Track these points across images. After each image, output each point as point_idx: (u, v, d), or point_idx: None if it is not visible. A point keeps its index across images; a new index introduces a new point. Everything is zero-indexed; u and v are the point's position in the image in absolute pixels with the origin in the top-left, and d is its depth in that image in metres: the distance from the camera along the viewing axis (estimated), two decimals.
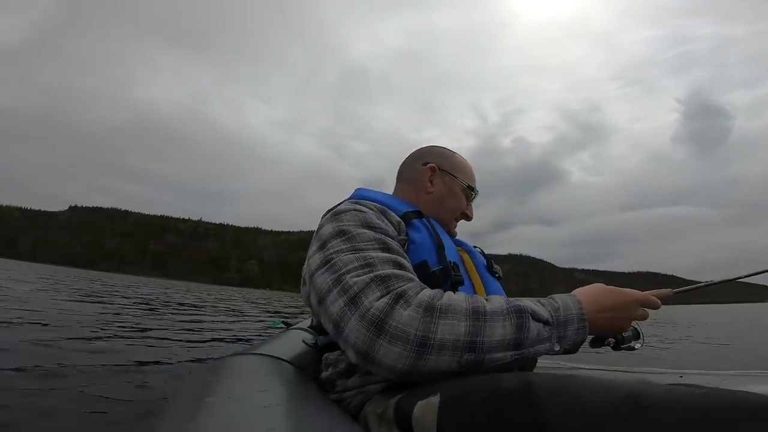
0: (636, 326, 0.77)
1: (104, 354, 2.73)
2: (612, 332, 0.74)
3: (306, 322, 1.45)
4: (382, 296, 0.61)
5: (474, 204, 1.04)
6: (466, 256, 0.93)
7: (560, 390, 0.47)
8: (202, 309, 8.72)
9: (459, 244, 0.98)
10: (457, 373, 0.59)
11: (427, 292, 0.62)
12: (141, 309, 6.92)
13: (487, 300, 0.65)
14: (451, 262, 0.80)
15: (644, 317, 0.74)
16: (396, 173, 1.06)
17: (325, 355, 0.82)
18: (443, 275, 0.77)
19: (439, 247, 0.81)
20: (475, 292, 0.85)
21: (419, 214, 0.88)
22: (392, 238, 0.75)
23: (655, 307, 0.75)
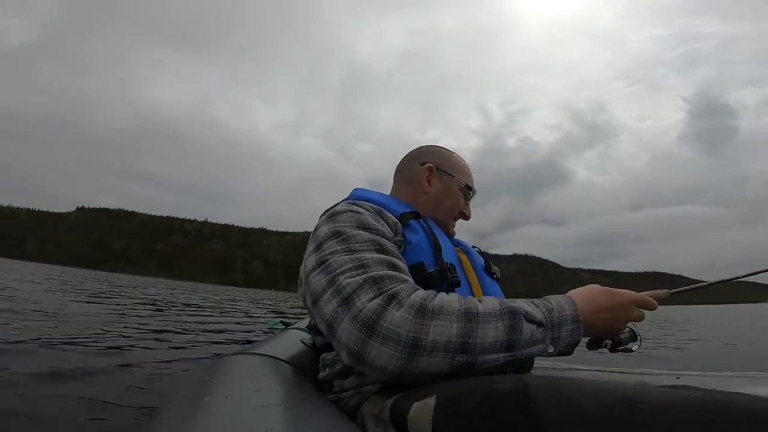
0: (633, 327, 0.77)
1: (106, 354, 2.75)
2: (608, 333, 0.73)
3: (304, 322, 1.45)
4: (375, 297, 0.61)
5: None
6: (463, 257, 0.93)
7: (556, 392, 0.47)
8: (207, 309, 8.75)
9: (457, 244, 0.98)
10: (449, 375, 0.59)
11: (420, 294, 0.62)
12: (147, 309, 6.96)
13: (480, 301, 0.64)
14: (447, 263, 0.80)
15: (640, 318, 0.74)
16: None
17: (323, 355, 0.82)
18: (439, 276, 0.77)
19: (436, 248, 0.81)
20: (472, 294, 0.85)
21: (416, 215, 0.88)
22: (388, 239, 0.75)
23: (652, 308, 0.75)
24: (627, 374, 1.02)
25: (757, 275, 0.85)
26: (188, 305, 9.44)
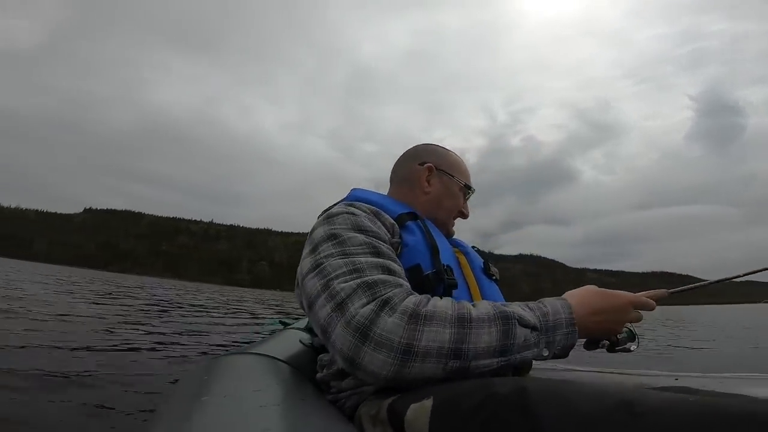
0: (630, 328, 0.76)
1: (108, 354, 2.77)
2: (604, 335, 0.73)
3: (303, 322, 1.46)
4: (368, 303, 0.61)
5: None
6: (462, 258, 0.92)
7: (554, 395, 0.47)
8: (213, 310, 8.79)
9: (456, 244, 0.97)
10: (443, 380, 0.59)
11: (413, 299, 0.62)
12: (152, 310, 7.01)
13: (474, 306, 0.64)
14: (444, 265, 0.79)
15: (638, 319, 0.73)
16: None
17: (320, 356, 0.83)
18: (436, 279, 0.76)
19: (433, 250, 0.80)
20: (470, 295, 0.84)
21: (414, 216, 0.87)
22: (384, 241, 0.75)
23: (650, 308, 0.74)
24: (626, 375, 1.01)
25: (757, 274, 0.84)
26: (193, 305, 9.48)
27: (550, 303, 0.69)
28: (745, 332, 9.28)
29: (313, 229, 0.78)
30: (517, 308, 0.66)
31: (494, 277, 0.95)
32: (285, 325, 1.62)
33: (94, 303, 6.83)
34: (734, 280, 0.85)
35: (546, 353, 0.65)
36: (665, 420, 0.40)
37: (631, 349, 0.75)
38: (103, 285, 15.29)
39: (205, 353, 3.29)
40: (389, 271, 0.68)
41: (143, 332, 4.02)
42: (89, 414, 1.62)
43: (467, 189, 1.01)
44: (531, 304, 0.69)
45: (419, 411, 0.55)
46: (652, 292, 0.77)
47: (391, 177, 1.04)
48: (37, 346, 2.72)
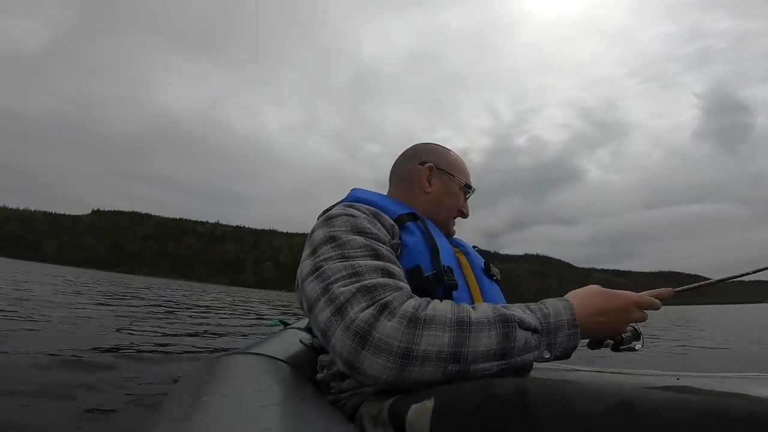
0: (635, 327, 0.75)
1: (109, 355, 2.79)
2: (608, 336, 0.72)
3: (303, 322, 1.45)
4: (367, 307, 0.61)
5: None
6: (462, 258, 0.91)
7: (554, 396, 0.47)
8: (219, 310, 8.84)
9: (456, 244, 0.96)
10: (443, 383, 0.58)
11: (412, 303, 0.62)
12: (159, 310, 7.06)
13: (473, 309, 0.64)
14: (445, 266, 0.78)
15: (642, 319, 0.72)
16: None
17: (320, 356, 0.83)
18: (436, 280, 0.76)
19: (433, 251, 0.80)
20: (471, 296, 0.84)
21: (414, 216, 0.86)
22: (384, 243, 0.74)
23: (655, 308, 0.73)
24: (627, 375, 1.00)
25: (765, 272, 0.83)
26: (200, 306, 9.55)
27: (551, 304, 0.68)
28: (748, 332, 9.19)
29: (312, 231, 0.78)
30: (517, 310, 0.65)
31: (495, 278, 0.94)
32: (285, 324, 1.62)
33: (101, 304, 6.88)
34: (741, 278, 0.83)
35: (547, 355, 0.64)
36: (665, 420, 0.40)
37: (636, 348, 0.74)
38: (110, 286, 15.42)
39: (210, 352, 3.31)
40: (389, 274, 0.67)
41: (149, 333, 4.05)
42: (89, 414, 1.63)
43: (467, 188, 1.01)
44: (532, 305, 0.68)
45: (420, 412, 0.55)
46: (657, 291, 0.76)
47: (390, 177, 1.04)
48: (44, 346, 2.74)
